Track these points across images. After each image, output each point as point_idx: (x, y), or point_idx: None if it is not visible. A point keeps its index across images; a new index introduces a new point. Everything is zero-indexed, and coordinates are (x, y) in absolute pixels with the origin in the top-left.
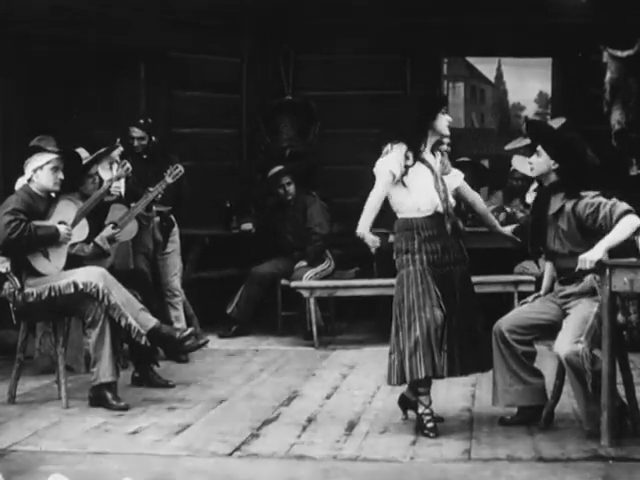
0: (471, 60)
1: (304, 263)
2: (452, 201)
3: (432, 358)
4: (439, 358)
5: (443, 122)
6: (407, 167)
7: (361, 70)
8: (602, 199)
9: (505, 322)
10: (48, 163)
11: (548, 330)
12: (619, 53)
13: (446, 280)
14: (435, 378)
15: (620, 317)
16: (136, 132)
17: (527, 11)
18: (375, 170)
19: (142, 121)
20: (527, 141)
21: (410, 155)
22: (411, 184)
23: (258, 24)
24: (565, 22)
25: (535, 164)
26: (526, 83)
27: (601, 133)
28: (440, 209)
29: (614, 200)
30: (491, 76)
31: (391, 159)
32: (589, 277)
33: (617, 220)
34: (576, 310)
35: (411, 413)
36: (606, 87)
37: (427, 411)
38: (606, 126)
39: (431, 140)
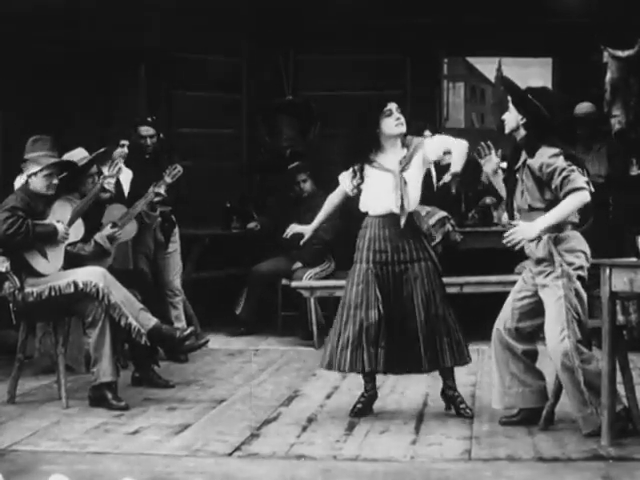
0: (471, 60)
1: (299, 264)
2: (413, 198)
3: (362, 355)
4: (372, 354)
5: (388, 125)
6: (358, 183)
7: (361, 70)
8: (559, 163)
9: (500, 322)
10: (41, 170)
11: (537, 312)
12: (620, 53)
13: (396, 279)
14: (366, 373)
15: (620, 317)
16: (147, 130)
17: (527, 11)
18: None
19: (150, 119)
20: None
21: (357, 171)
22: (365, 188)
23: (258, 24)
24: (565, 22)
25: (507, 120)
26: (526, 83)
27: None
28: (395, 210)
29: (569, 171)
30: (491, 76)
31: (343, 175)
32: (545, 238)
33: (564, 196)
34: (546, 299)
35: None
36: (606, 87)
37: (363, 397)
38: (606, 126)
39: (389, 142)
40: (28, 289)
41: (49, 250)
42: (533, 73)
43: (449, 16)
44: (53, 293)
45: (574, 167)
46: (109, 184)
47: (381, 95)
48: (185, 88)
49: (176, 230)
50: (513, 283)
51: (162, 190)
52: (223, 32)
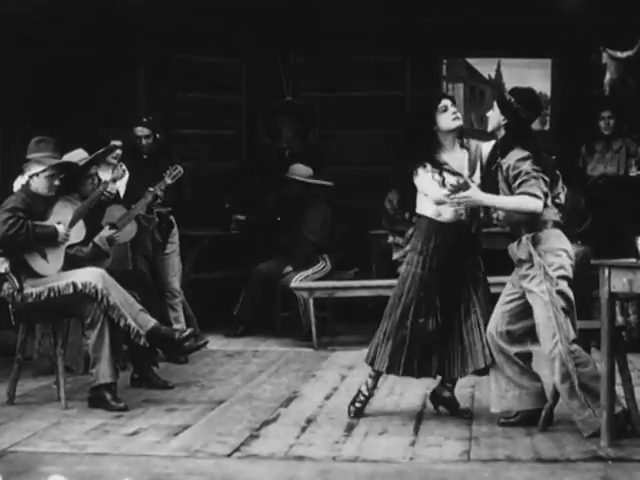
0: (471, 61)
1: (290, 268)
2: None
3: (414, 362)
4: (426, 362)
5: (445, 120)
6: (443, 179)
7: (360, 71)
8: (524, 167)
9: (491, 326)
10: (44, 171)
11: (527, 313)
12: (619, 54)
13: (454, 286)
14: (376, 373)
15: (619, 318)
16: (142, 131)
17: (527, 11)
18: (422, 188)
19: (145, 119)
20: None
21: (435, 171)
22: None
23: (258, 25)
24: (565, 22)
25: (490, 118)
26: (526, 83)
27: None
28: (464, 217)
29: (531, 176)
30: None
31: (428, 185)
32: (524, 239)
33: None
34: (534, 305)
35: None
36: (605, 88)
37: (362, 396)
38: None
39: (448, 140)
40: (27, 290)
41: (49, 251)
42: (533, 73)
43: (449, 16)
44: (52, 294)
45: (539, 174)
46: (111, 190)
47: (380, 96)
48: (185, 89)
49: (175, 231)
50: None
51: (159, 191)
52: (223, 33)
